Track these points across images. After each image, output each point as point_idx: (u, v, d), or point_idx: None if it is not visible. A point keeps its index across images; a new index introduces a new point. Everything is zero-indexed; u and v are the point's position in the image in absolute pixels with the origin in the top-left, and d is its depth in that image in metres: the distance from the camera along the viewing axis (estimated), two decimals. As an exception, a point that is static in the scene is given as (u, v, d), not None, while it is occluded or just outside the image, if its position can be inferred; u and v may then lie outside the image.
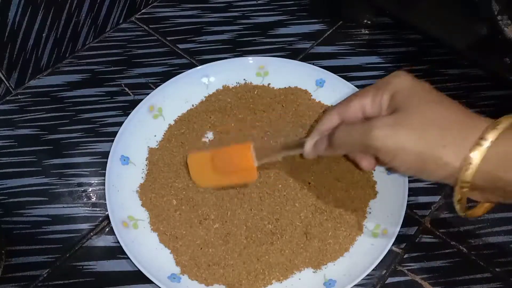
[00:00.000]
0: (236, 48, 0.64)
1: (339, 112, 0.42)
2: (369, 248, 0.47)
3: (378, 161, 0.42)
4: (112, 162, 0.51)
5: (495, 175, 0.33)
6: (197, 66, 0.59)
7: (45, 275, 0.47)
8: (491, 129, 0.33)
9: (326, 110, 0.45)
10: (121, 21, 0.66)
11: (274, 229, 0.48)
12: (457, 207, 0.36)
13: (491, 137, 0.33)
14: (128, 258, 0.46)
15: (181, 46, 0.64)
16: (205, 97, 0.57)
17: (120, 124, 0.54)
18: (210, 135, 0.55)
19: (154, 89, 0.57)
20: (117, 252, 0.48)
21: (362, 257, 0.46)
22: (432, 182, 0.52)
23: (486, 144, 0.33)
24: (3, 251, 0.47)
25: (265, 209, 0.49)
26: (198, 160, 0.49)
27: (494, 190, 0.35)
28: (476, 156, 0.33)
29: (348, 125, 0.39)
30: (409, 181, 0.49)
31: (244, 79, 0.59)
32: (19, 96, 0.59)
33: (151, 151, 0.53)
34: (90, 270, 0.47)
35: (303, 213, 0.49)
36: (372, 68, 0.62)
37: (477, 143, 0.33)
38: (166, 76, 0.58)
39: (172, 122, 0.56)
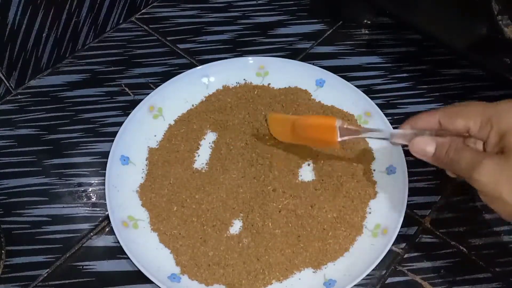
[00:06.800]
0: (236, 48, 0.64)
1: (442, 121, 0.40)
2: (369, 248, 0.47)
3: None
4: (112, 162, 0.51)
5: None
6: (197, 66, 0.59)
7: (45, 275, 0.47)
8: None
9: (428, 111, 0.41)
10: (121, 21, 0.66)
11: (274, 229, 0.48)
12: None
13: None
14: (128, 258, 0.46)
15: (181, 46, 0.64)
16: (205, 97, 0.57)
17: (120, 124, 0.54)
18: (210, 136, 0.55)
19: (154, 89, 0.57)
20: (117, 252, 0.48)
21: (362, 257, 0.46)
22: (432, 182, 0.52)
23: None
24: (3, 251, 0.47)
25: (265, 209, 0.49)
26: (279, 121, 0.52)
27: None
28: None
29: (460, 148, 0.38)
30: (409, 181, 0.49)
31: (244, 79, 0.58)
32: (19, 96, 0.59)
33: (151, 151, 0.53)
34: (90, 270, 0.47)
35: (303, 212, 0.49)
36: (372, 68, 0.61)
37: None
38: (166, 76, 0.58)
39: (172, 122, 0.56)
